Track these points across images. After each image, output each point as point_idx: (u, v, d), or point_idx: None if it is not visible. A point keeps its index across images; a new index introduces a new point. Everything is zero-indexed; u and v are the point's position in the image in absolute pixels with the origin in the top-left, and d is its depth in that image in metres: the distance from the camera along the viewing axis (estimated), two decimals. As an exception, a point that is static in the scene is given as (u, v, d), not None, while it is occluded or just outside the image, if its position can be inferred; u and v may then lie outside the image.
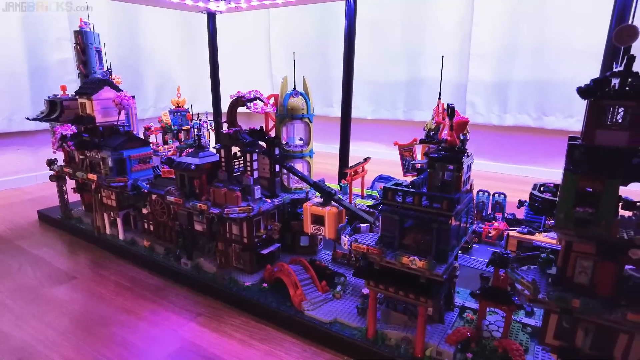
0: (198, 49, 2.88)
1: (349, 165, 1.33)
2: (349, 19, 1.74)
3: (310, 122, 1.25)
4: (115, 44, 2.59)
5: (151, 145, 1.82)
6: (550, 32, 2.19)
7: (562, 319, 0.71)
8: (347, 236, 0.90)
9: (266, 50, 3.26)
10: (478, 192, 1.61)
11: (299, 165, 1.27)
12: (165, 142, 1.94)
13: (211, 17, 2.27)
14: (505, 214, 1.55)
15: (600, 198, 0.64)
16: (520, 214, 1.47)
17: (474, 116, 2.51)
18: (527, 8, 2.25)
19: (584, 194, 0.67)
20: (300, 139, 1.27)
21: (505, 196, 1.55)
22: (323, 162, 2.69)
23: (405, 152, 1.08)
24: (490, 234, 1.42)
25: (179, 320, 1.09)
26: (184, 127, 1.97)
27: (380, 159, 2.06)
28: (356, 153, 2.04)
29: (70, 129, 1.39)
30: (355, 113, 2.90)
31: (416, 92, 2.66)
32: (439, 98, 1.02)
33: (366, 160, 1.19)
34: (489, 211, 1.60)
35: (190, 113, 1.98)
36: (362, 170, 1.19)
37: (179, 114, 1.97)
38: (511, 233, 1.24)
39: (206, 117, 2.05)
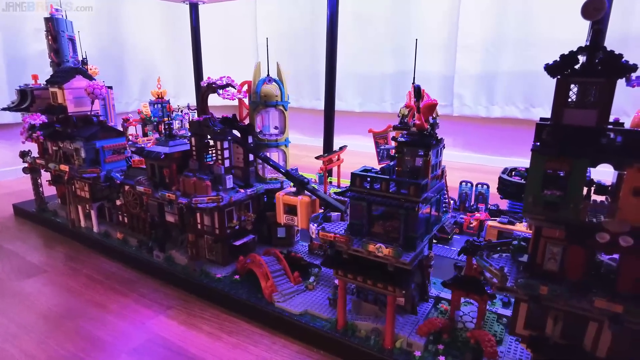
0: (183, 41, 2.84)
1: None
2: (331, 10, 1.70)
3: (285, 110, 1.21)
4: (98, 37, 2.54)
5: (130, 137, 1.78)
6: (536, 23, 2.16)
7: (531, 307, 0.68)
8: (315, 225, 0.87)
9: (253, 42, 3.21)
10: (461, 183, 1.58)
11: (274, 155, 1.24)
12: (145, 134, 1.90)
13: (194, 8, 2.23)
14: (489, 205, 1.52)
15: (568, 180, 0.61)
16: (504, 204, 1.45)
17: (462, 108, 2.48)
18: (513, -1, 2.22)
19: (553, 176, 0.64)
20: (276, 128, 1.24)
21: (488, 187, 1.53)
22: (308, 154, 2.66)
23: (380, 139, 1.05)
24: (471, 225, 1.39)
25: (148, 313, 1.06)
26: (164, 119, 1.93)
27: (367, 152, 2.02)
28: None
29: (39, 119, 1.35)
30: (342, 106, 2.88)
31: (403, 85, 2.63)
32: (413, 83, 0.98)
33: (342, 149, 1.16)
34: (472, 202, 1.58)
35: (171, 105, 1.94)
36: (338, 159, 1.16)
37: (159, 105, 1.93)
38: (490, 223, 1.22)
39: (188, 109, 2.01)
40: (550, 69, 0.61)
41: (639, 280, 0.59)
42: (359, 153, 1.92)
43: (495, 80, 2.36)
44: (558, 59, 0.61)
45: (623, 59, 0.57)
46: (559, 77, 0.61)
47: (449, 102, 2.53)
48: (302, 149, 1.77)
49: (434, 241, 1.27)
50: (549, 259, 0.66)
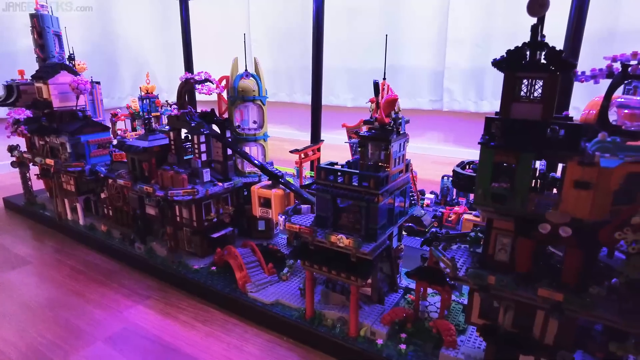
0: (175, 37, 2.85)
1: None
2: (317, 4, 1.71)
3: (263, 105, 1.23)
4: (90, 33, 2.56)
5: (119, 131, 1.81)
6: (525, 18, 2.15)
7: (481, 297, 0.70)
8: (283, 217, 0.90)
9: (246, 37, 3.22)
10: (443, 177, 1.60)
11: (253, 149, 1.26)
12: (134, 129, 1.92)
13: (183, 3, 2.24)
14: (470, 199, 1.54)
15: (515, 173, 0.63)
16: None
17: (451, 103, 2.49)
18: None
19: (502, 168, 0.66)
20: (255, 122, 1.26)
21: (469, 181, 1.54)
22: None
23: (353, 133, 1.07)
24: (450, 218, 1.41)
25: (126, 303, 1.09)
26: (153, 114, 1.95)
27: (352, 146, 2.03)
28: (335, 141, 2.02)
29: (23, 113, 1.37)
30: (334, 101, 2.89)
31: (394, 80, 2.63)
32: (384, 78, 1.00)
33: (318, 143, 1.18)
34: (454, 196, 1.60)
35: (159, 100, 1.96)
36: (314, 153, 1.18)
37: (147, 100, 1.95)
38: (466, 216, 1.23)
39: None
40: (497, 64, 0.63)
41: (580, 270, 0.61)
42: (347, 148, 1.94)
43: (485, 75, 2.37)
44: (505, 54, 0.63)
45: (564, 55, 0.58)
46: (506, 71, 0.63)
47: (439, 97, 2.53)
48: (294, 144, 1.78)
49: (404, 233, 1.28)
50: (500, 249, 0.68)
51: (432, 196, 1.62)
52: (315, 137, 1.90)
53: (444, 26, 2.41)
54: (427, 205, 1.58)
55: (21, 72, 1.54)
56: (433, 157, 2.57)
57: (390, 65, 2.65)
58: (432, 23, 2.45)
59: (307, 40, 2.96)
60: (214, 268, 1.13)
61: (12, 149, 1.61)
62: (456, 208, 1.44)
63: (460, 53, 2.39)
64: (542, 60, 0.61)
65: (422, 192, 1.67)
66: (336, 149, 1.68)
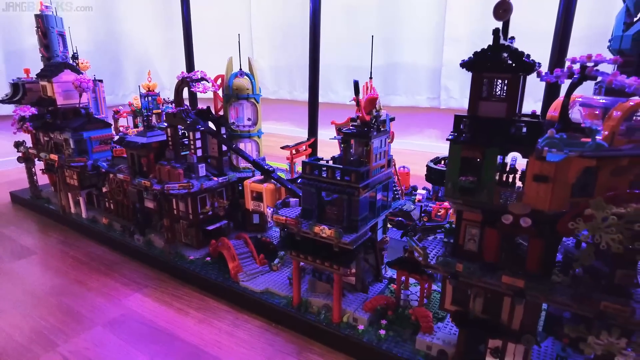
0: (178, 35, 2.90)
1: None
2: (314, 2, 1.75)
3: (257, 103, 1.28)
4: (94, 31, 2.62)
5: (121, 128, 1.86)
6: (522, 15, 2.18)
7: (452, 284, 0.74)
8: (271, 209, 0.94)
9: (247, 35, 3.27)
10: (434, 173, 1.64)
11: (248, 145, 1.31)
12: (135, 126, 1.98)
13: (185, 1, 2.29)
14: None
15: (481, 167, 0.67)
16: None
17: (448, 100, 2.52)
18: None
19: (470, 164, 0.70)
20: (249, 119, 1.31)
21: (459, 177, 1.58)
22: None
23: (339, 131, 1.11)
24: (439, 213, 1.45)
25: (125, 291, 1.15)
26: (154, 111, 2.01)
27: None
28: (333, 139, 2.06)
29: (29, 111, 1.43)
30: (334, 98, 2.93)
31: (392, 77, 2.67)
32: (370, 78, 1.04)
33: (309, 140, 1.23)
34: (445, 192, 1.63)
35: (161, 97, 2.01)
36: (305, 149, 1.22)
37: (149, 97, 2.00)
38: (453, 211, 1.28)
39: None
40: (466, 65, 0.67)
41: (542, 258, 0.66)
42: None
43: (481, 73, 2.39)
44: (472, 56, 0.67)
45: (525, 57, 0.62)
46: (473, 72, 0.67)
47: (437, 95, 2.56)
48: (292, 141, 1.82)
49: (389, 226, 1.32)
50: (469, 239, 0.73)
51: (424, 192, 1.66)
52: (312, 134, 1.94)
53: (442, 24, 2.43)
54: (419, 201, 1.62)
55: (27, 71, 1.60)
56: (430, 155, 2.60)
57: (388, 63, 2.71)
58: (430, 20, 2.48)
59: (308, 38, 3.00)
60: (208, 259, 1.18)
61: (18, 144, 1.67)
62: (445, 203, 1.48)
63: (458, 50, 2.42)
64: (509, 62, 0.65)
65: (415, 188, 1.71)
66: (333, 145, 1.73)
